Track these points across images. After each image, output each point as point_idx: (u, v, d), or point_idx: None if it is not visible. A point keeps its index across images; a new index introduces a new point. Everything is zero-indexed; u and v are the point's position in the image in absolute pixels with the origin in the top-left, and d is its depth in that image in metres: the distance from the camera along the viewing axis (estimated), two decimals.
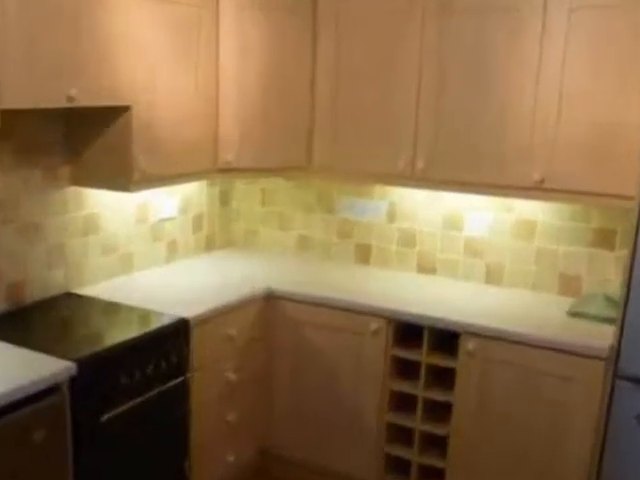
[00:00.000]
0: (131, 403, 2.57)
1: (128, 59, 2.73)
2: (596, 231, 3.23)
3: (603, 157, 2.85)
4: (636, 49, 2.73)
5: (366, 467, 3.26)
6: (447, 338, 3.00)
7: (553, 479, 2.87)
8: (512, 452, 2.93)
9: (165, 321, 2.79)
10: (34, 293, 2.92)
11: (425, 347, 3.02)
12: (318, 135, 3.41)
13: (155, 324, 2.77)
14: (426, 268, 3.63)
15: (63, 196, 2.99)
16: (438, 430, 3.10)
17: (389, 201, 3.66)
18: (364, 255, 3.78)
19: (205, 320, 2.94)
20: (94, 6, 2.54)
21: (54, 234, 2.97)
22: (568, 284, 3.31)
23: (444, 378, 3.07)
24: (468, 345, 2.91)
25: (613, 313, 2.84)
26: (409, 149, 3.21)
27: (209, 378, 3.02)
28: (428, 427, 3.11)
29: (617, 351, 2.68)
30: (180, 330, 2.81)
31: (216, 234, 3.97)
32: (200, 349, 2.92)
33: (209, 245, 3.92)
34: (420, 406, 3.09)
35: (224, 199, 3.99)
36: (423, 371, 3.06)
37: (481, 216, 3.46)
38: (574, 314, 3.01)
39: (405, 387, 3.15)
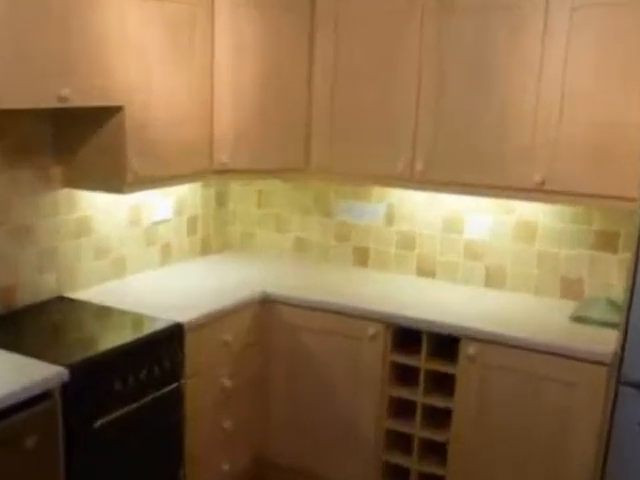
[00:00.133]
0: (124, 409, 2.53)
1: (121, 58, 2.69)
2: (598, 233, 3.19)
3: (605, 158, 2.81)
4: None
5: (364, 475, 3.21)
6: (447, 343, 2.96)
7: None
8: (513, 459, 2.89)
9: (159, 326, 2.75)
10: (25, 297, 2.88)
11: (424, 352, 2.98)
12: (316, 135, 3.37)
13: (149, 329, 2.72)
14: (425, 271, 3.58)
15: (55, 198, 2.95)
16: (438, 437, 3.05)
17: (387, 203, 3.62)
18: (362, 258, 3.74)
19: (200, 325, 2.89)
20: (83, 4, 2.50)
21: (46, 237, 2.93)
22: (570, 288, 3.27)
23: (444, 384, 3.02)
24: (468, 350, 2.87)
25: (616, 318, 2.81)
26: (408, 150, 3.17)
27: (204, 384, 2.97)
28: (427, 434, 3.07)
29: (620, 357, 2.65)
30: (174, 335, 2.77)
31: (211, 236, 3.92)
32: (195, 354, 2.88)
33: (204, 248, 3.87)
34: (419, 412, 3.05)
35: (220, 201, 3.94)
36: (422, 377, 3.02)
37: (481, 218, 3.41)
38: (576, 319, 2.97)
39: (404, 393, 3.11)
